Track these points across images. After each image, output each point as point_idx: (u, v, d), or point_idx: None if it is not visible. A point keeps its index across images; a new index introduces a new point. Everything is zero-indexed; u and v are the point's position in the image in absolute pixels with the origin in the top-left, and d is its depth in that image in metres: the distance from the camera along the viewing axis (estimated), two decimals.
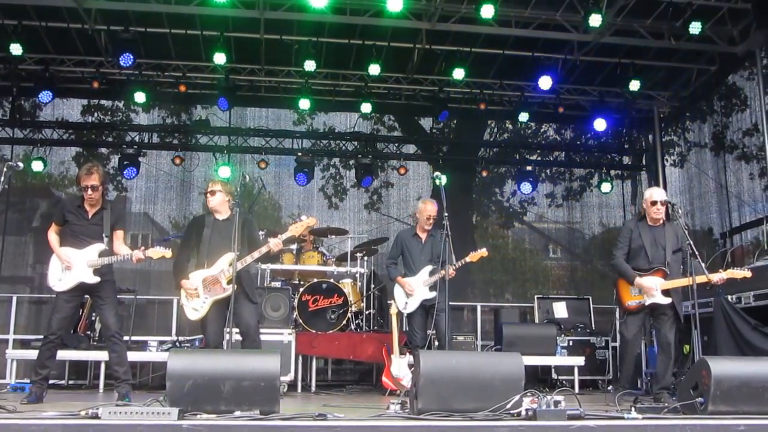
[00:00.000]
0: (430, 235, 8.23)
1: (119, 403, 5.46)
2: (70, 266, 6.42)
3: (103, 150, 13.15)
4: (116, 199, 7.55)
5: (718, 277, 6.75)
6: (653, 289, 6.80)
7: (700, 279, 6.60)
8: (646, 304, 6.84)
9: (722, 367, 5.03)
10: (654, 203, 6.98)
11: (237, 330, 6.52)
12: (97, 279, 6.46)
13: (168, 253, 6.46)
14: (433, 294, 7.75)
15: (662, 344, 6.90)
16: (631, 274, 6.92)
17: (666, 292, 6.83)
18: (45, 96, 11.17)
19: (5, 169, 6.17)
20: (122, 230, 6.72)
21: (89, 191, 6.48)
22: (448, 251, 7.36)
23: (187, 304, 6.63)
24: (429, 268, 8.09)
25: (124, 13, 10.13)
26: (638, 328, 6.98)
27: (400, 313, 8.38)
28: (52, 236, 6.61)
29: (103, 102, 13.17)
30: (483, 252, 7.99)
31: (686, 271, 6.81)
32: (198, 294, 6.55)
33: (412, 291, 8.09)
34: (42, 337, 6.80)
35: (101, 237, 6.52)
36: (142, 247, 6.48)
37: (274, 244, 6.55)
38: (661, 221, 7.04)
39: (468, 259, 7.93)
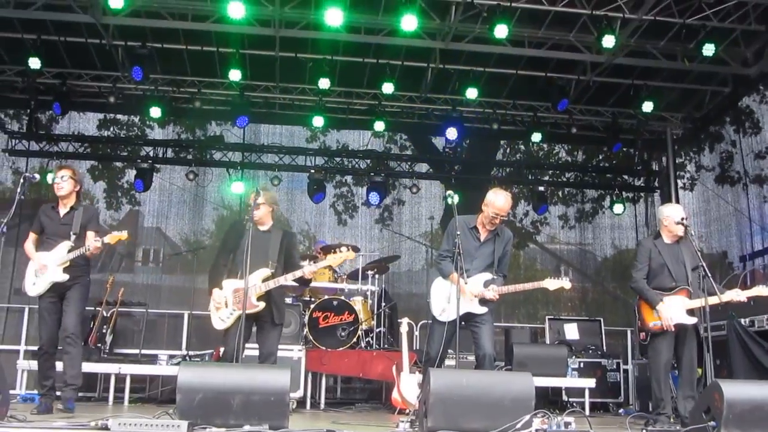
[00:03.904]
0: (494, 234, 6.63)
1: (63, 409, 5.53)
2: (45, 268, 6.41)
3: (118, 164, 13.26)
4: (90, 206, 7.48)
5: (745, 295, 6.62)
6: (670, 318, 6.56)
7: (726, 298, 6.51)
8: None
9: (735, 390, 5.00)
10: (683, 219, 6.87)
11: (257, 349, 6.49)
12: (66, 276, 6.42)
13: (123, 234, 6.38)
14: (483, 310, 6.44)
15: (685, 367, 6.69)
16: (654, 299, 6.67)
17: (690, 312, 6.63)
18: (57, 108, 11.34)
19: (22, 181, 6.31)
20: (95, 231, 6.63)
21: (57, 180, 6.60)
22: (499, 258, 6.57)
23: (215, 313, 6.47)
24: (486, 276, 6.49)
25: (141, 29, 10.23)
26: (668, 348, 6.69)
27: (410, 332, 8.29)
28: (28, 245, 6.69)
29: (118, 116, 13.32)
30: (565, 284, 6.70)
31: (704, 290, 6.67)
32: (226, 305, 6.38)
33: (463, 295, 6.30)
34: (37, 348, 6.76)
35: (70, 235, 6.53)
36: (97, 238, 6.38)
37: (309, 271, 6.44)
38: (678, 239, 6.96)
39: (544, 284, 6.67)
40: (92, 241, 6.34)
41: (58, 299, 6.55)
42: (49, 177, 6.73)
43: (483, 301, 6.43)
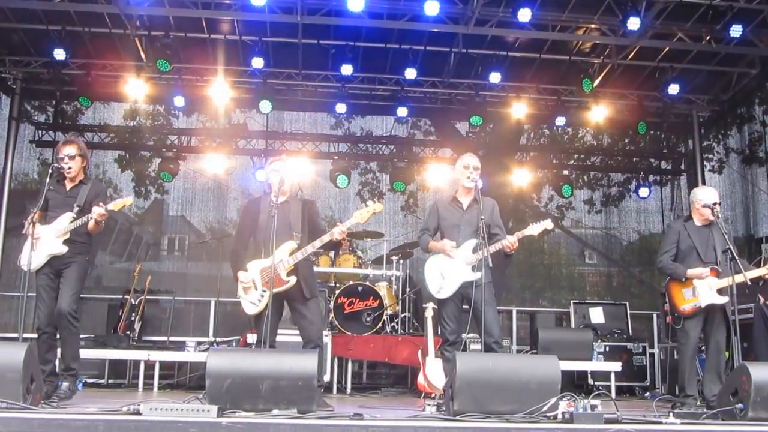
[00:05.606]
0: (475, 201, 6.51)
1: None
2: (40, 240, 5.94)
3: (145, 153, 13.37)
4: (99, 182, 7.07)
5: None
6: (703, 274, 6.56)
7: (747, 276, 6.44)
8: (702, 306, 6.58)
9: (763, 373, 4.95)
10: (715, 204, 6.82)
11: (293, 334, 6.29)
12: (65, 249, 5.97)
13: (129, 200, 6.10)
14: (478, 275, 6.19)
15: (712, 349, 6.67)
16: (680, 270, 6.68)
17: (720, 292, 6.60)
18: (84, 101, 11.65)
19: (50, 171, 6.27)
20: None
21: (65, 160, 6.13)
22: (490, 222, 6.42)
23: (245, 297, 6.11)
24: (472, 242, 6.38)
25: (165, 18, 10.29)
26: (698, 333, 6.70)
27: (435, 317, 8.28)
28: (29, 221, 6.02)
29: (143, 106, 13.41)
30: (547, 224, 6.52)
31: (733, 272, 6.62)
32: (255, 286, 6.06)
33: (449, 270, 6.40)
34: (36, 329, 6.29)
35: (74, 207, 6.09)
36: (101, 204, 5.90)
37: (338, 232, 6.07)
38: (709, 222, 6.91)
39: (527, 231, 6.42)
40: (97, 208, 5.86)
41: (55, 276, 6.08)
42: (61, 150, 6.19)
43: (476, 268, 6.25)
